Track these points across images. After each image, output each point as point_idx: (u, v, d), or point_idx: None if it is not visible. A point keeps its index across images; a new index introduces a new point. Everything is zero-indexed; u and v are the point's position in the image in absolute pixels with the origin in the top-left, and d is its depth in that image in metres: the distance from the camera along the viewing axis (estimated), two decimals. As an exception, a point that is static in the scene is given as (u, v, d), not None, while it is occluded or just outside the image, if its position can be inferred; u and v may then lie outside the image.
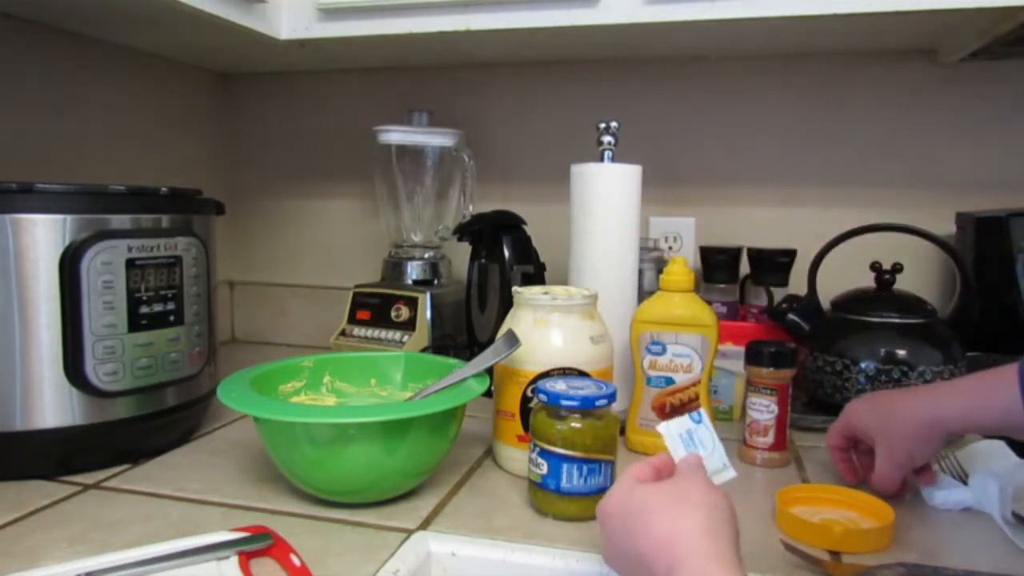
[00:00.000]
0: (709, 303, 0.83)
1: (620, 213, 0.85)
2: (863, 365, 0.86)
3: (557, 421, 0.62)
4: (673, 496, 0.46)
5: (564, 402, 0.62)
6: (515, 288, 0.76)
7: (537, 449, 0.63)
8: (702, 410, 0.50)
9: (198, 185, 0.85)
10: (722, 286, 1.07)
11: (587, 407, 0.62)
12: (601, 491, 0.63)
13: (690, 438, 0.50)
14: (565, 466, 0.62)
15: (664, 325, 0.79)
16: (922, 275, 1.08)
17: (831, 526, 0.59)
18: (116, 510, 0.63)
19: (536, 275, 1.01)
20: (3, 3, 0.91)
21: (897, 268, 0.91)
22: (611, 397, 0.63)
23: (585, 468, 0.62)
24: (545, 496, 0.63)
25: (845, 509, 0.65)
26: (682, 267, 0.80)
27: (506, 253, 1.00)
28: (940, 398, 0.63)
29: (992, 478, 0.64)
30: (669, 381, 0.79)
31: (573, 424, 0.62)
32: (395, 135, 1.13)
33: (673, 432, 0.49)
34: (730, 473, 0.51)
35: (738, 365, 0.88)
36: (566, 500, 0.62)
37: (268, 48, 1.06)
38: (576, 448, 0.62)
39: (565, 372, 0.70)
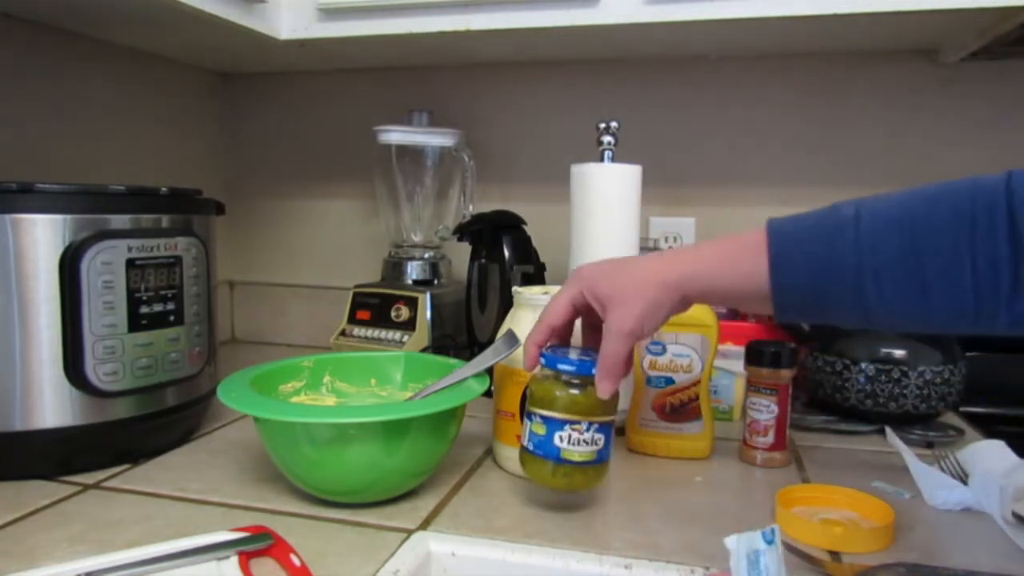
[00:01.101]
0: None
1: (620, 213, 0.85)
2: (863, 365, 0.86)
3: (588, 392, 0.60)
4: None
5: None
6: (515, 288, 0.76)
7: (595, 426, 0.60)
8: (776, 527, 0.45)
9: (198, 185, 0.84)
10: (722, 286, 1.07)
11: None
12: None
13: (756, 560, 0.45)
14: (611, 432, 0.62)
15: (664, 325, 0.79)
16: (922, 275, 1.08)
17: (831, 526, 0.60)
18: (116, 510, 0.63)
19: (536, 275, 1.01)
20: (3, 3, 0.91)
21: (897, 268, 0.91)
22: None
23: (612, 431, 0.62)
24: (598, 470, 0.62)
25: (845, 509, 0.65)
26: (682, 267, 0.80)
27: (506, 253, 1.00)
28: (679, 261, 0.57)
29: (992, 478, 0.64)
30: (669, 381, 0.79)
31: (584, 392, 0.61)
32: (395, 135, 1.13)
33: (741, 550, 0.45)
34: None
35: (738, 365, 0.88)
36: (607, 465, 0.62)
37: (268, 48, 1.06)
38: (610, 413, 0.62)
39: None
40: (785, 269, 0.51)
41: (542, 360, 0.62)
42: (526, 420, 0.63)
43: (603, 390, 0.59)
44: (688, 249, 0.58)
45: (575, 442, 0.60)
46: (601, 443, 0.61)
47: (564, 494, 0.62)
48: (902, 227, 0.49)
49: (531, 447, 0.62)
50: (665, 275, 0.56)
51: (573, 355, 0.61)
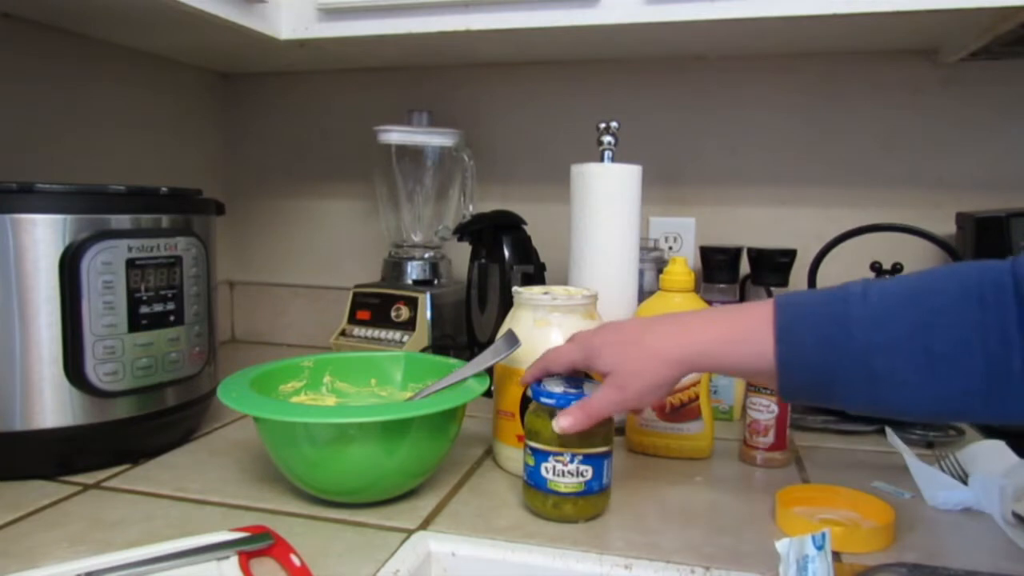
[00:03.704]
0: (709, 303, 0.83)
1: (620, 213, 0.85)
2: (863, 365, 0.86)
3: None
4: None
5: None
6: (515, 288, 0.76)
7: (579, 457, 0.61)
8: (826, 532, 0.45)
9: (198, 185, 0.85)
10: (722, 286, 1.07)
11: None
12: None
13: (804, 567, 0.44)
14: (606, 463, 0.62)
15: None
16: (922, 275, 1.08)
17: (831, 526, 0.59)
18: (116, 510, 0.63)
19: (536, 275, 1.01)
20: (3, 3, 0.91)
21: (897, 268, 0.91)
22: None
23: (608, 460, 0.63)
24: (589, 501, 0.62)
25: (845, 509, 0.65)
26: (682, 267, 0.80)
27: (506, 253, 1.00)
28: (685, 337, 0.55)
29: (992, 478, 0.64)
30: (669, 381, 0.79)
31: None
32: (395, 135, 1.13)
33: (791, 556, 0.45)
34: None
35: (738, 365, 0.88)
36: (604, 496, 0.63)
37: (268, 48, 1.06)
38: (609, 444, 0.63)
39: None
40: (791, 345, 0.50)
41: (530, 392, 0.64)
42: (524, 451, 0.64)
43: (560, 423, 0.59)
44: (695, 320, 0.57)
45: (560, 473, 0.61)
46: (589, 474, 0.61)
47: (563, 524, 0.62)
48: (911, 303, 0.47)
49: (525, 477, 0.64)
50: (670, 353, 0.56)
51: (558, 388, 0.63)
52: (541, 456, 0.62)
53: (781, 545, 0.45)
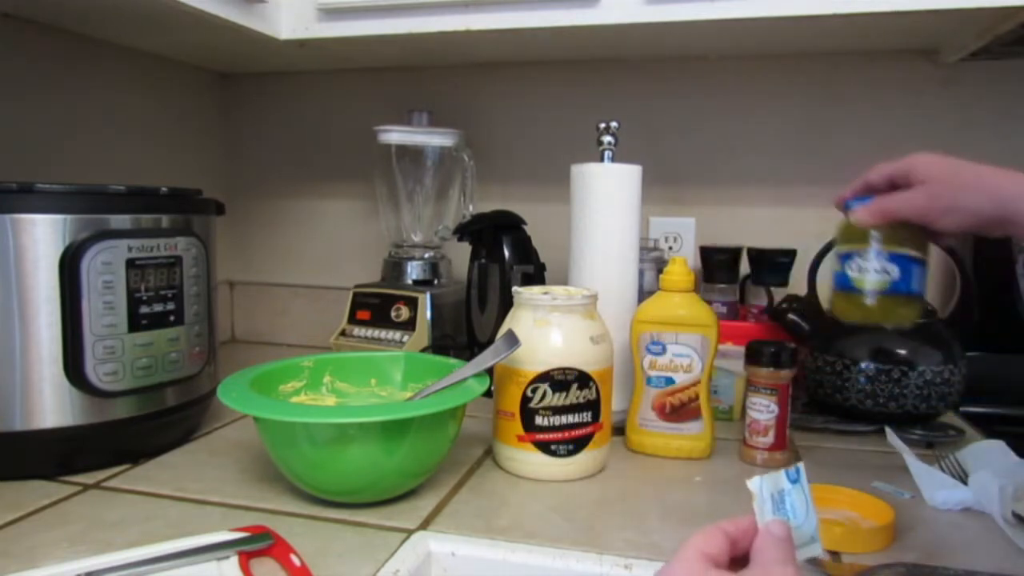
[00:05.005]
0: (709, 303, 0.83)
1: (620, 213, 0.85)
2: (863, 365, 0.86)
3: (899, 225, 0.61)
4: None
5: None
6: (515, 288, 0.76)
7: (885, 255, 0.62)
8: (800, 466, 0.43)
9: (198, 185, 0.84)
10: (722, 286, 1.07)
11: None
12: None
13: (781, 500, 0.43)
14: (915, 269, 0.62)
15: (664, 325, 0.79)
16: (922, 275, 1.08)
17: (831, 526, 0.59)
18: (116, 510, 0.63)
19: (536, 275, 1.01)
20: (3, 3, 0.91)
21: (897, 268, 0.91)
22: None
23: (919, 268, 0.63)
24: (895, 301, 0.62)
25: (845, 509, 0.65)
26: (682, 267, 0.80)
27: (506, 253, 1.00)
28: (1018, 182, 0.55)
29: (992, 478, 0.64)
30: (669, 381, 0.79)
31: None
32: (395, 135, 1.13)
33: (764, 492, 0.43)
34: (818, 549, 0.43)
35: (738, 365, 0.88)
36: (913, 302, 0.63)
37: (268, 48, 1.06)
38: (921, 252, 0.63)
39: (565, 372, 0.70)
40: None
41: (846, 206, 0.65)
42: (833, 261, 0.66)
43: (856, 213, 0.62)
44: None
45: (863, 270, 0.63)
46: (895, 273, 0.62)
47: (871, 324, 0.64)
48: None
49: (833, 285, 0.66)
50: (1001, 188, 0.55)
51: (864, 195, 0.64)
52: (846, 257, 0.64)
53: (752, 483, 0.43)
